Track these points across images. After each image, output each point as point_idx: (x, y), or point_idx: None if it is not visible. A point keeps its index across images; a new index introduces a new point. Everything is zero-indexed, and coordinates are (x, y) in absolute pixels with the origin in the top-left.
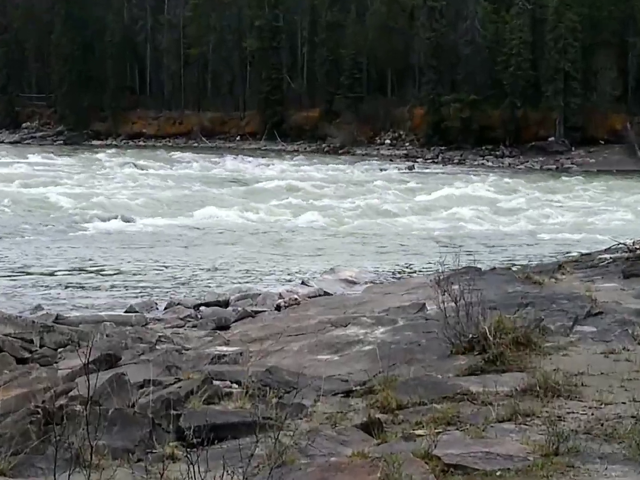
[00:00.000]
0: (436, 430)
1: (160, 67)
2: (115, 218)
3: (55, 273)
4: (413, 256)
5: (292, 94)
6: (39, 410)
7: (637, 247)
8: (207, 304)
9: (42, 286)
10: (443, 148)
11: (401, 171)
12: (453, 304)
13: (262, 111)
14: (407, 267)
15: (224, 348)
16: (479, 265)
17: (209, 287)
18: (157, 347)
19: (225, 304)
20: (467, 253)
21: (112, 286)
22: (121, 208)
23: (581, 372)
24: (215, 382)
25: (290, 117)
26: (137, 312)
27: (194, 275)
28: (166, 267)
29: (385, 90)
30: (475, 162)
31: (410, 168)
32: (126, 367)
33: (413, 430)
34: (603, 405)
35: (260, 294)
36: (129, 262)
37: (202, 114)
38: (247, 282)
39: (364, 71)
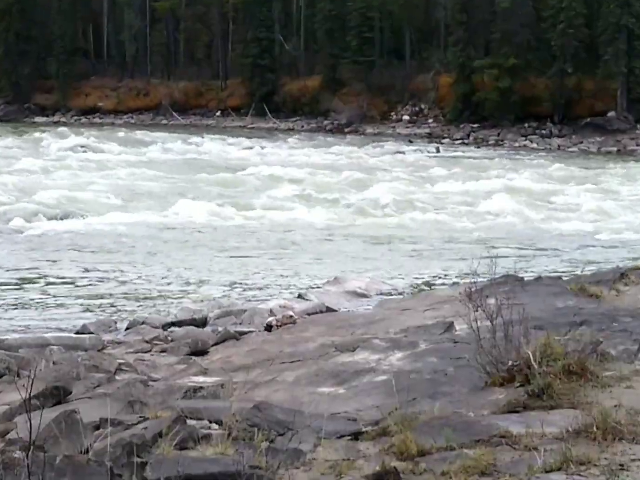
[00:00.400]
0: None
1: (121, 25)
2: (65, 216)
3: None
4: (438, 262)
5: (286, 59)
6: None
7: None
8: (179, 323)
9: None
10: (475, 126)
11: (423, 155)
12: (488, 322)
13: (248, 80)
14: (430, 276)
15: (201, 378)
16: (520, 274)
17: (182, 301)
18: (116, 377)
19: (203, 322)
20: (506, 258)
21: (61, 303)
22: (72, 203)
23: None
24: (190, 422)
25: (283, 87)
26: (91, 333)
27: (164, 286)
28: (129, 276)
29: (402, 54)
30: (516, 144)
31: (435, 151)
32: (78, 403)
33: None
34: None
35: (246, 310)
36: (81, 270)
37: (173, 84)
38: (229, 295)
39: (376, 29)
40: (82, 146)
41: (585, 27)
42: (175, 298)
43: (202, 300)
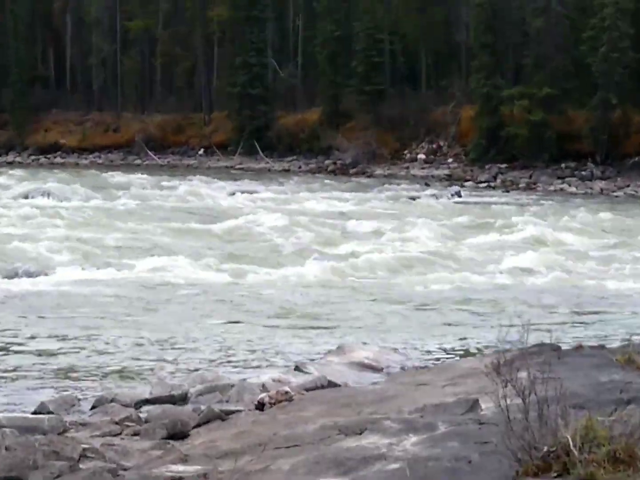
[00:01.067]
0: None
1: (87, 49)
2: (19, 273)
3: None
4: (459, 327)
5: (281, 88)
6: None
7: None
8: (154, 400)
9: None
10: (503, 166)
11: (441, 200)
12: (519, 400)
13: (236, 113)
14: (450, 344)
15: (181, 467)
16: (557, 343)
17: (158, 374)
18: (81, 465)
19: (182, 399)
20: (540, 323)
21: (13, 377)
22: (28, 258)
23: None
24: None
25: (278, 121)
26: (50, 413)
27: (136, 356)
28: (95, 344)
29: (417, 82)
30: (551, 187)
31: (456, 196)
32: None
33: None
34: None
35: (233, 385)
36: (38, 337)
37: (148, 118)
38: (214, 367)
39: (386, 53)
40: (40, 191)
41: (632, 50)
42: (150, 370)
43: (181, 373)
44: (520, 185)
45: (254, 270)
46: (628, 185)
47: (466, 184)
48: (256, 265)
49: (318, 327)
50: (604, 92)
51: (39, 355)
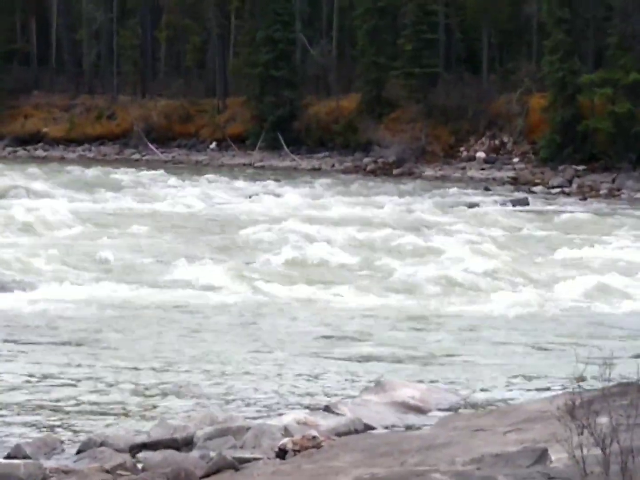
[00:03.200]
0: None
1: (76, 20)
2: None
3: None
4: (524, 361)
5: (311, 69)
6: None
7: None
8: (154, 445)
9: None
10: (581, 168)
11: (505, 208)
12: (598, 450)
13: (256, 99)
14: (514, 382)
15: None
16: None
17: (158, 413)
18: None
19: (187, 444)
20: (625, 358)
21: None
22: (7, 271)
23: None
24: None
25: (307, 109)
26: (27, 457)
27: (132, 389)
28: (81, 376)
29: (477, 65)
30: (639, 195)
31: (523, 203)
32: None
33: None
34: None
35: (249, 428)
36: (14, 365)
37: (150, 103)
38: (226, 406)
39: (441, 30)
40: (18, 189)
41: None
42: (148, 408)
43: (187, 412)
44: (601, 192)
45: (274, 290)
46: None
47: (535, 188)
48: (277, 282)
49: (352, 358)
50: None
51: (14, 387)
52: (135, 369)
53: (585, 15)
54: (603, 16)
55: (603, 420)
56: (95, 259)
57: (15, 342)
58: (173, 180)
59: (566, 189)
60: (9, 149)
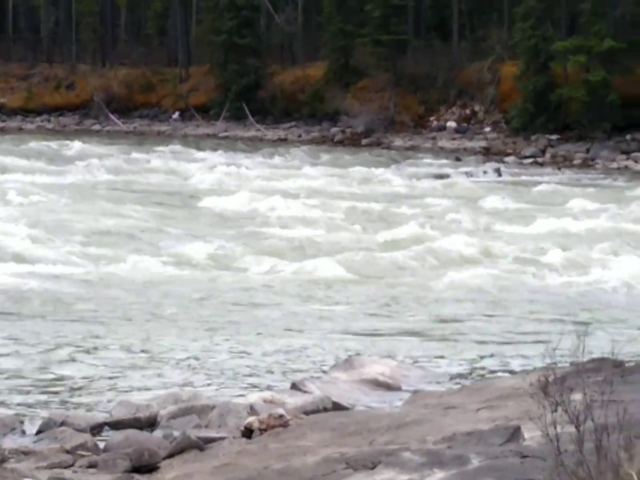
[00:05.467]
0: None
1: None
2: None
3: None
4: (497, 337)
5: (277, 37)
6: None
7: None
8: (116, 424)
9: None
10: (554, 138)
11: (476, 180)
12: (572, 428)
13: (220, 67)
14: (485, 359)
15: None
16: (620, 357)
17: (121, 391)
18: None
19: (151, 424)
20: (599, 334)
21: None
22: None
23: None
24: None
25: (272, 78)
26: None
27: (92, 368)
28: (40, 354)
29: (447, 32)
30: (614, 165)
31: (495, 174)
32: None
33: None
34: None
35: (214, 407)
36: None
37: (110, 72)
38: (190, 384)
39: None
40: None
41: None
42: (110, 387)
43: (150, 391)
44: (575, 162)
45: (243, 266)
46: None
47: (507, 159)
48: (245, 257)
49: (323, 336)
50: None
51: None
52: (98, 346)
53: None
54: None
55: (577, 397)
56: (61, 234)
57: None
58: (135, 152)
59: (539, 159)
60: None
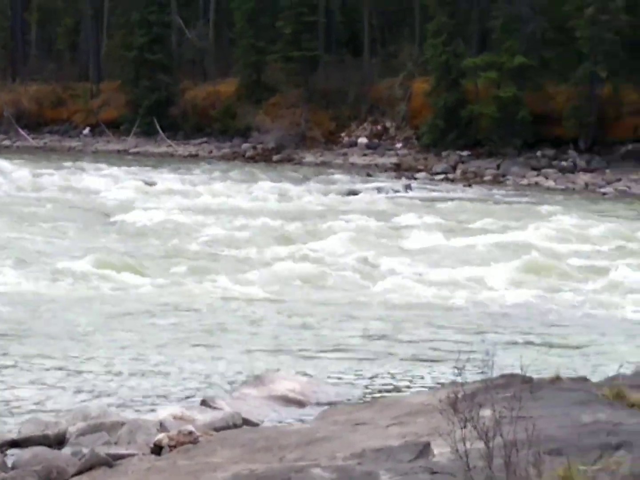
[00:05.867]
0: None
1: None
2: None
3: None
4: (407, 353)
5: (188, 53)
6: None
7: None
8: (24, 442)
9: None
10: (465, 154)
11: (386, 196)
12: (482, 444)
13: (131, 83)
14: (396, 374)
15: None
16: (529, 373)
17: (29, 409)
18: None
19: (59, 441)
20: (508, 350)
21: None
22: None
23: None
24: None
25: (183, 94)
26: None
27: (1, 385)
28: None
29: (359, 47)
30: (524, 181)
31: (405, 190)
32: None
33: None
34: None
35: (124, 424)
36: None
37: (20, 87)
38: (99, 399)
39: (321, 11)
40: None
41: (625, 13)
42: (19, 404)
43: (58, 407)
44: (486, 178)
45: (150, 282)
46: (619, 180)
47: (418, 175)
48: (154, 273)
49: (233, 351)
50: (591, 64)
51: None
52: (3, 364)
53: None
54: None
55: (486, 413)
56: None
57: None
58: (44, 167)
59: (450, 175)
60: None
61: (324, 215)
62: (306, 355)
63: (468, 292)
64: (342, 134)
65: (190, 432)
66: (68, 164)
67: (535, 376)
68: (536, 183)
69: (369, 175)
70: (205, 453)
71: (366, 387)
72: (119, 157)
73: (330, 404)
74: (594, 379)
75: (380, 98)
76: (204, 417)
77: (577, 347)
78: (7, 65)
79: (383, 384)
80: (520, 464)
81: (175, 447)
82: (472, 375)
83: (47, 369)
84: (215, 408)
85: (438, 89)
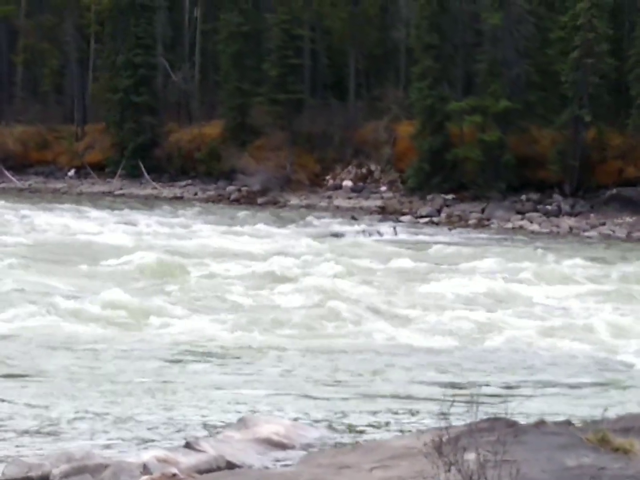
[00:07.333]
0: None
1: None
2: None
3: None
4: (391, 396)
5: (173, 95)
6: None
7: None
8: None
9: None
10: (449, 197)
11: (371, 239)
12: None
13: (116, 125)
14: (380, 418)
15: None
16: (513, 417)
17: (12, 450)
18: None
19: None
20: (492, 394)
21: None
22: None
23: None
24: None
25: (168, 136)
26: None
27: None
28: None
29: (344, 91)
30: (509, 225)
31: (391, 233)
32: None
33: None
34: None
35: (107, 466)
36: None
37: (6, 129)
38: (83, 441)
39: (306, 54)
40: None
41: (610, 56)
42: (2, 446)
43: (42, 449)
44: (470, 222)
45: (136, 323)
46: (603, 224)
47: (403, 218)
48: (139, 315)
49: (218, 395)
50: (575, 107)
51: None
52: None
53: (454, 41)
54: (472, 42)
55: (471, 456)
56: None
57: None
58: (28, 209)
59: (435, 219)
60: None
61: (306, 255)
62: (288, 398)
63: (453, 337)
64: (327, 177)
65: (174, 475)
66: (54, 205)
67: (519, 420)
68: (520, 227)
69: (353, 218)
70: None
71: (350, 429)
72: (104, 199)
73: (314, 447)
74: (578, 423)
75: (365, 141)
76: (188, 459)
77: (563, 391)
78: None
79: (367, 427)
80: None
81: None
82: (456, 419)
83: (34, 410)
84: (199, 451)
85: (423, 132)
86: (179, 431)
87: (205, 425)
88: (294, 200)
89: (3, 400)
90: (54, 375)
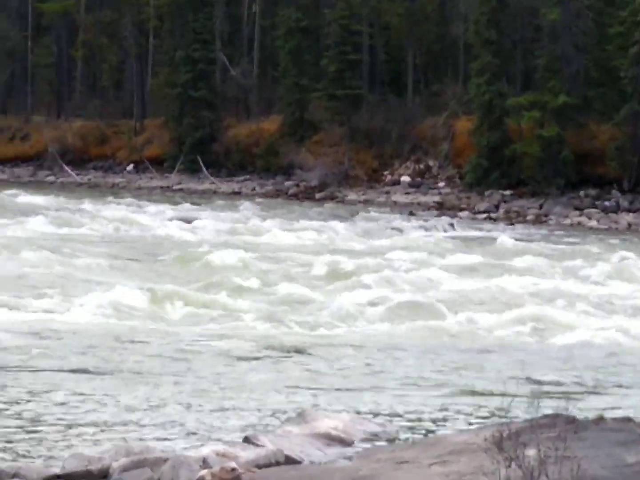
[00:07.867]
0: None
1: None
2: None
3: None
4: (451, 392)
5: (232, 90)
6: None
7: None
8: (67, 477)
9: None
10: (507, 193)
11: (429, 234)
12: None
13: (174, 120)
14: (440, 413)
15: None
16: (574, 413)
17: (73, 443)
18: None
19: (103, 475)
20: (553, 391)
21: None
22: None
23: None
24: None
25: (227, 131)
26: None
27: (44, 419)
28: None
29: (402, 86)
30: (567, 221)
31: (449, 229)
32: None
33: None
34: None
35: (167, 460)
36: None
37: (65, 124)
38: (143, 436)
39: (365, 50)
40: None
41: None
42: (62, 438)
43: (102, 443)
44: (528, 217)
45: (192, 317)
46: None
47: (461, 214)
48: (193, 313)
49: (277, 389)
50: (635, 103)
51: None
52: (48, 398)
53: (513, 36)
54: (531, 37)
55: (531, 452)
56: (11, 283)
57: None
58: (88, 203)
59: (492, 215)
60: None
61: (369, 252)
62: (345, 392)
63: (514, 333)
64: (385, 173)
65: (233, 469)
66: (113, 199)
67: (579, 416)
68: (579, 223)
69: (411, 213)
70: None
71: (409, 424)
72: (162, 194)
73: (373, 441)
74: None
75: (423, 137)
76: (247, 454)
77: (625, 388)
78: (52, 101)
79: (426, 422)
80: None
81: None
82: (516, 414)
83: (93, 404)
84: (258, 445)
85: (481, 128)
86: (237, 426)
87: (263, 420)
88: (351, 196)
89: (71, 394)
90: (119, 370)
